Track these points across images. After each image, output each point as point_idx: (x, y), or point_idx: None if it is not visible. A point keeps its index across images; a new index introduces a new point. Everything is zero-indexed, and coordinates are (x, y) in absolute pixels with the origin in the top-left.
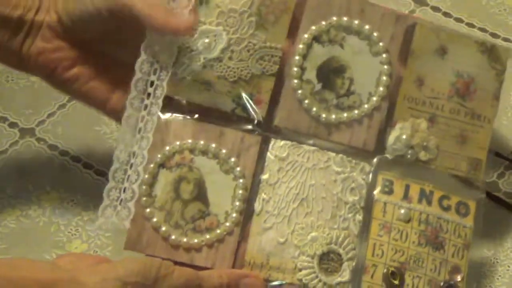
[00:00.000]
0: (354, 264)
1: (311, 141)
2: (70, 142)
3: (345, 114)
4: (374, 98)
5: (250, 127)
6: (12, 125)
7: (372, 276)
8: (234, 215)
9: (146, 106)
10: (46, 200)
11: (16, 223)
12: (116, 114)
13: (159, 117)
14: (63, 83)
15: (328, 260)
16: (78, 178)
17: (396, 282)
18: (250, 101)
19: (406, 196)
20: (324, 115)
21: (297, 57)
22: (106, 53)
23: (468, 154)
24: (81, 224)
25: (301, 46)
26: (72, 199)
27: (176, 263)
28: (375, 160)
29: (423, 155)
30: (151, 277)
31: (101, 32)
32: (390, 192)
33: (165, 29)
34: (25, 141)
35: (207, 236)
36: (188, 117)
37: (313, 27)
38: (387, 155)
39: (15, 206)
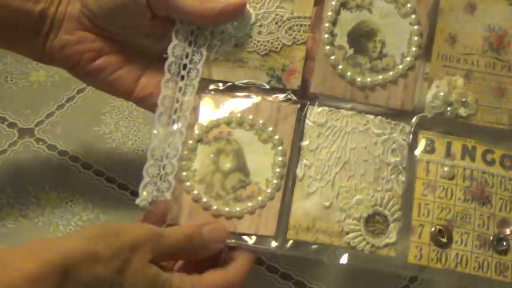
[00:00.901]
0: (400, 225)
1: (349, 105)
2: (69, 142)
3: (380, 76)
4: (408, 59)
5: (287, 97)
6: (11, 125)
7: (419, 236)
8: (275, 181)
9: (180, 88)
10: (45, 200)
11: (15, 224)
12: (143, 102)
13: (194, 97)
14: (88, 75)
15: (374, 222)
16: (77, 178)
17: (445, 240)
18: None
19: (448, 154)
20: (359, 79)
21: (326, 24)
22: (129, 42)
23: (508, 107)
24: (80, 224)
25: (329, 13)
26: (71, 199)
27: None
28: (414, 119)
29: (462, 111)
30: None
31: (127, 22)
32: (432, 150)
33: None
34: (24, 141)
35: (249, 204)
36: (224, 94)
37: None
38: (426, 114)
39: (14, 206)
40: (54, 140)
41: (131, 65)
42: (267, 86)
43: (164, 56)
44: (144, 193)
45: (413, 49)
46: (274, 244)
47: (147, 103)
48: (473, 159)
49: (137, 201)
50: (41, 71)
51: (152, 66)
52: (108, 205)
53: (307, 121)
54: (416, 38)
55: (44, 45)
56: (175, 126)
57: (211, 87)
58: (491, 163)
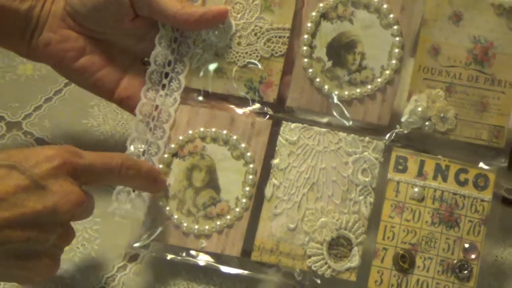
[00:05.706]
0: (364, 248)
1: (325, 119)
2: (57, 135)
3: (358, 90)
4: (387, 72)
5: (263, 109)
6: None
7: (382, 260)
8: (244, 200)
9: (161, 96)
10: None
11: None
12: (125, 103)
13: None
14: (71, 73)
15: (337, 245)
16: None
17: (406, 265)
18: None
19: (420, 173)
20: (336, 92)
21: (305, 36)
22: (111, 41)
23: (489, 122)
24: None
25: (309, 24)
26: None
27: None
28: (389, 135)
29: (441, 126)
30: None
31: (110, 21)
32: (404, 170)
33: (202, 23)
34: (12, 134)
35: (218, 223)
36: (200, 105)
37: (321, 5)
38: (403, 129)
39: None
40: (42, 133)
41: (113, 65)
42: (247, 96)
43: (146, 59)
44: (116, 204)
45: (393, 61)
46: (237, 263)
47: (128, 104)
48: (445, 179)
49: (109, 211)
50: (28, 65)
51: (133, 68)
52: (98, 199)
53: (279, 138)
54: (397, 51)
55: (30, 42)
56: (150, 137)
57: (190, 95)
58: (463, 183)
